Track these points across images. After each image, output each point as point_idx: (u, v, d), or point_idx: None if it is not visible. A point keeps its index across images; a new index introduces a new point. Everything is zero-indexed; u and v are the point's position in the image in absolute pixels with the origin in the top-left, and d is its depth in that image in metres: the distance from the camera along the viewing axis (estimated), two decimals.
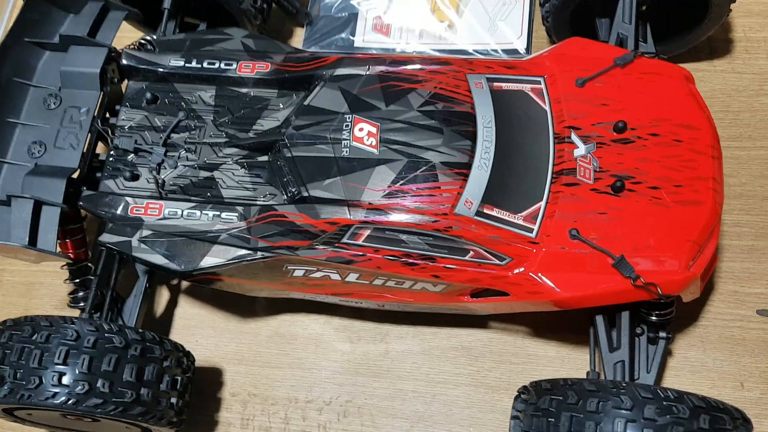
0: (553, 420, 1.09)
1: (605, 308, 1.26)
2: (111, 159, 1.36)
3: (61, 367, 1.16)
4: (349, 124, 1.28)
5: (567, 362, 1.45)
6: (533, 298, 1.22)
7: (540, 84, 1.33)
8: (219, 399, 1.50)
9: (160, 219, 1.29)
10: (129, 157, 1.36)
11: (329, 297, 1.40)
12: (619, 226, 1.20)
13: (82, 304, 1.40)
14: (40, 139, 1.35)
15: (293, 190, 1.27)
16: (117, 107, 1.42)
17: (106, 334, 1.21)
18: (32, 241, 1.26)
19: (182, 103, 1.41)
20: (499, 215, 1.21)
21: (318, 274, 1.31)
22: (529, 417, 1.14)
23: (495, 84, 1.32)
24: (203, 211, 1.29)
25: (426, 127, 1.27)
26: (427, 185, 1.22)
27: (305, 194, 1.25)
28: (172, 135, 1.38)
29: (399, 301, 1.36)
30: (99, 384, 1.17)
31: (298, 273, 1.31)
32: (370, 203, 1.22)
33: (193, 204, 1.30)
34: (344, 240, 1.24)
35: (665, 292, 1.17)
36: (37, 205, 1.27)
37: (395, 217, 1.21)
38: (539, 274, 1.20)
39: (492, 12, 1.74)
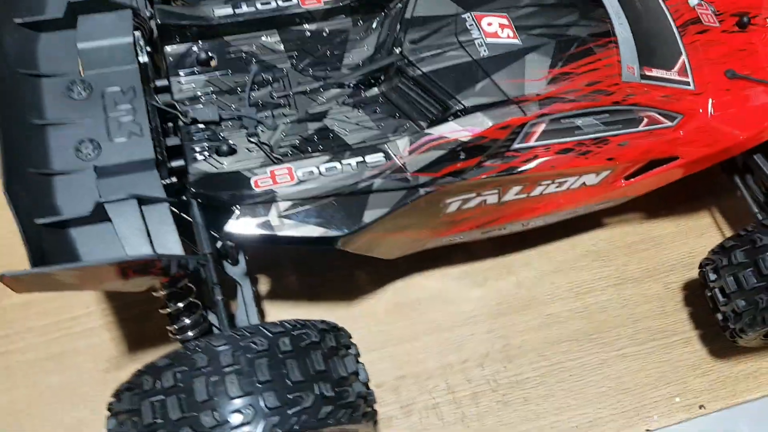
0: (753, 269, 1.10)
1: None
2: (194, 138, 1.07)
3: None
4: (473, 22, 1.14)
5: (690, 233, 1.44)
6: (709, 150, 1.19)
7: None
8: None
9: (296, 184, 1.04)
10: (213, 130, 1.09)
11: (473, 233, 1.24)
12: (762, 57, 1.21)
13: (191, 333, 1.08)
14: (88, 137, 1.03)
15: (436, 108, 1.10)
16: (158, 82, 1.12)
17: (294, 332, 0.94)
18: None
19: (245, 56, 1.15)
20: (658, 74, 1.16)
21: (473, 203, 1.15)
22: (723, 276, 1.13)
23: None
24: (343, 162, 1.06)
25: (555, 5, 1.17)
26: (587, 60, 1.13)
27: (458, 107, 1.08)
28: (252, 93, 1.12)
29: (548, 211, 1.24)
30: (320, 389, 0.91)
31: (453, 207, 1.14)
32: (537, 94, 1.09)
33: (327, 157, 1.06)
34: (515, 146, 1.10)
35: None
36: None
37: (570, 100, 1.10)
38: (716, 123, 1.16)
39: None
